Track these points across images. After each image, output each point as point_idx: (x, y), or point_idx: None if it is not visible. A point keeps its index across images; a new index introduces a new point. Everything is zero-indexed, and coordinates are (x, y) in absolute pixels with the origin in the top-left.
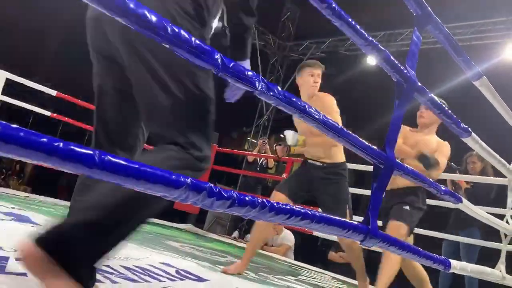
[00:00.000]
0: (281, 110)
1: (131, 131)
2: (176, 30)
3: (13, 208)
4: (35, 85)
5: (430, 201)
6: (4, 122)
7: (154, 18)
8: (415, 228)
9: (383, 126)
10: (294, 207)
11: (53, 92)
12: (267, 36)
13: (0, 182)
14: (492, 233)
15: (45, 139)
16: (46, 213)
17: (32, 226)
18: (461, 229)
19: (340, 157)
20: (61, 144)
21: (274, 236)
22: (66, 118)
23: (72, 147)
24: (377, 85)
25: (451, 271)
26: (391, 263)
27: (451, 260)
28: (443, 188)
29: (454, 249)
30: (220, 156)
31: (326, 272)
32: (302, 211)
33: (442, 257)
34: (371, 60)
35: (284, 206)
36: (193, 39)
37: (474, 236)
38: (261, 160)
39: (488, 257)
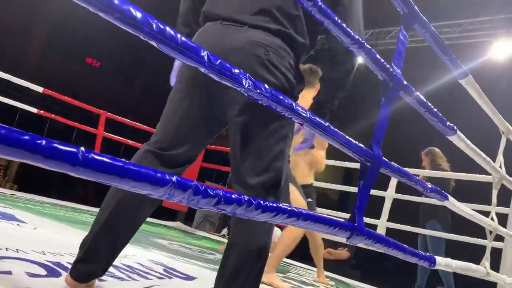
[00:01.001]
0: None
1: None
2: (162, 26)
3: None
4: (21, 81)
5: (421, 199)
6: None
7: (139, 15)
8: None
9: (370, 124)
10: (281, 205)
11: (40, 89)
12: None
13: None
14: (453, 226)
15: (27, 137)
16: (32, 211)
17: (18, 224)
18: (425, 222)
19: None
20: (44, 142)
21: None
22: (53, 115)
23: (55, 144)
24: (364, 84)
25: (436, 267)
26: (290, 237)
27: (436, 257)
28: (429, 186)
29: (426, 243)
30: (209, 153)
31: (314, 269)
32: (289, 208)
33: (427, 254)
34: (359, 58)
35: (270, 204)
36: (178, 36)
37: (435, 228)
38: None
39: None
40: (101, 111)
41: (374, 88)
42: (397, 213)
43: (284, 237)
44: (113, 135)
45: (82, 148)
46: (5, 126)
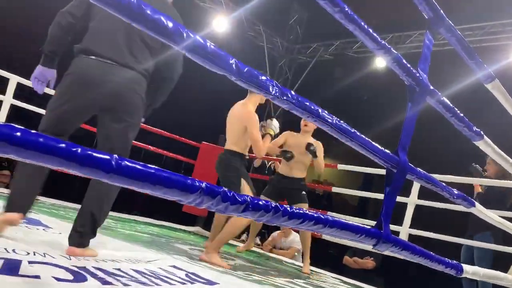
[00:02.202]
0: (290, 113)
1: None
2: (192, 35)
3: None
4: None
5: (445, 205)
6: (23, 128)
7: (170, 24)
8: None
9: (390, 129)
10: (307, 212)
11: None
12: (274, 39)
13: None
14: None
15: (63, 145)
16: (56, 216)
17: (44, 229)
18: (476, 233)
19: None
20: (79, 150)
21: (282, 239)
22: None
23: (89, 152)
24: (385, 88)
25: (463, 275)
26: (234, 226)
27: (463, 265)
28: (456, 192)
29: (471, 253)
30: None
31: (335, 275)
32: (315, 215)
33: (454, 261)
34: (380, 63)
35: (297, 211)
36: (208, 44)
37: (486, 240)
38: (269, 164)
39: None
40: None
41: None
42: (419, 219)
43: (229, 224)
44: (134, 141)
45: (116, 155)
46: (43, 134)
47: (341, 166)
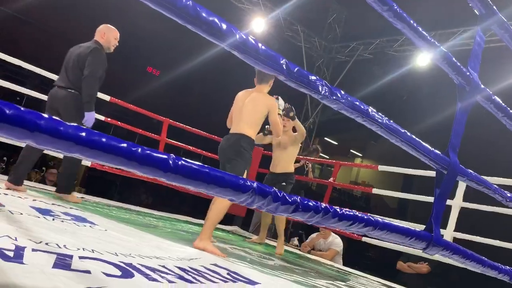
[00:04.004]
0: (326, 114)
1: None
2: (244, 37)
3: (70, 208)
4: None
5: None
6: (89, 128)
7: (224, 26)
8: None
9: (431, 129)
10: (357, 214)
11: (107, 98)
12: (312, 39)
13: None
14: None
15: (124, 144)
16: (101, 213)
17: (90, 226)
18: None
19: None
20: (139, 150)
21: (322, 240)
22: (119, 123)
23: (148, 152)
24: (425, 87)
25: None
26: (219, 206)
27: None
28: (509, 195)
29: None
30: (266, 159)
31: (374, 278)
32: (365, 217)
33: (508, 267)
34: (421, 61)
35: (347, 213)
36: (259, 45)
37: None
38: (300, 163)
39: None
40: (164, 118)
41: (434, 92)
42: (462, 222)
43: (214, 207)
44: (174, 141)
45: (173, 155)
46: (105, 134)
47: (382, 167)
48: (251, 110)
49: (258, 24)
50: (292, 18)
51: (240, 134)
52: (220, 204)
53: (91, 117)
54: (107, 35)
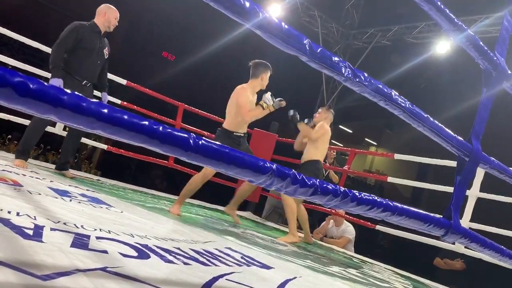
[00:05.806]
0: (342, 102)
1: None
2: (268, 15)
3: (87, 190)
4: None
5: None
6: (110, 105)
7: (247, 4)
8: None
9: (450, 117)
10: (376, 199)
11: (123, 81)
12: (329, 25)
13: (74, 164)
14: None
15: (146, 122)
16: (117, 195)
17: (107, 208)
18: None
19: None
20: (161, 128)
21: (335, 228)
22: (135, 107)
23: (169, 130)
24: (445, 75)
25: None
26: (289, 208)
27: None
28: None
29: None
30: (280, 146)
31: (387, 266)
32: (384, 202)
33: None
34: (441, 48)
35: (366, 197)
36: (282, 24)
37: None
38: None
39: None
40: (179, 103)
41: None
42: (479, 212)
43: (189, 182)
44: (189, 126)
45: (193, 134)
46: (127, 112)
47: (398, 156)
48: (228, 104)
49: (274, 10)
50: (309, 3)
51: (219, 128)
52: (195, 178)
53: (54, 83)
54: (108, 15)
